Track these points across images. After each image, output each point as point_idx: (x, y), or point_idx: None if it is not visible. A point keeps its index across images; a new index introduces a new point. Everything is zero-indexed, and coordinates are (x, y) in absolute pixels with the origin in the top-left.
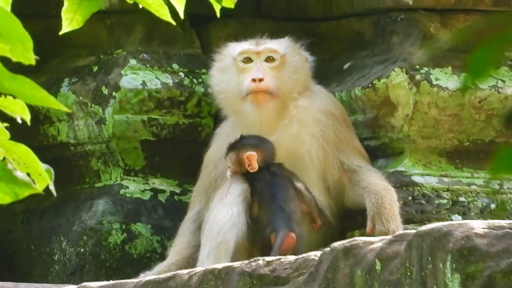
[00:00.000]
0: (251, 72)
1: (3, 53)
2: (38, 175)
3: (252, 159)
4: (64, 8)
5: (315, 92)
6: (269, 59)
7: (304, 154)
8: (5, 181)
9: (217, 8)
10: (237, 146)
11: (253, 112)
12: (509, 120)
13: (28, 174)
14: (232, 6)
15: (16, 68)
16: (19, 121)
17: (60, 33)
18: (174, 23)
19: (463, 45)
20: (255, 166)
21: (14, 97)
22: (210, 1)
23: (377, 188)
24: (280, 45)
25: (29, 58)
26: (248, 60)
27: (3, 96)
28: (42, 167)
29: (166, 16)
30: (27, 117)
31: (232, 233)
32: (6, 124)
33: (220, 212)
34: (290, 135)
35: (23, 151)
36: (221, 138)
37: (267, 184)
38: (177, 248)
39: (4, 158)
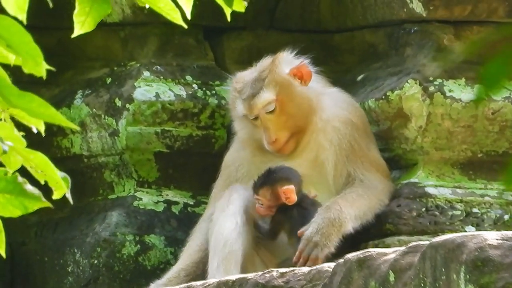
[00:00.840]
0: (262, 132)
1: (16, 62)
2: (55, 183)
3: (291, 192)
4: (75, 12)
5: (334, 99)
6: (269, 112)
7: (324, 161)
8: (15, 194)
9: (227, 12)
10: (270, 181)
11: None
12: None
13: (46, 182)
14: (242, 10)
15: (30, 80)
16: (35, 131)
17: (73, 36)
18: (185, 26)
19: (476, 57)
20: (294, 199)
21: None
22: (221, 6)
23: (337, 202)
24: (270, 86)
25: (40, 71)
26: (255, 119)
27: None
28: (59, 175)
29: (177, 19)
30: (42, 128)
31: (239, 243)
32: (22, 133)
33: (225, 223)
34: (315, 145)
35: (40, 159)
36: (243, 142)
37: (298, 215)
38: (189, 251)
39: (14, 172)
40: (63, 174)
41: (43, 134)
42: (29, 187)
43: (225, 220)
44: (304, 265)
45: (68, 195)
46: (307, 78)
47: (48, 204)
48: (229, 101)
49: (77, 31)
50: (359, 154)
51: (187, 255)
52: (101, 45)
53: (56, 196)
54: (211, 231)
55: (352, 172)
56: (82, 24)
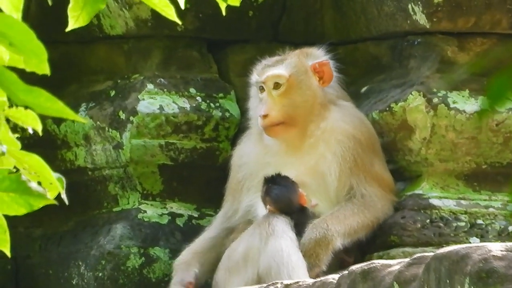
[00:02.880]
0: (262, 104)
1: (17, 64)
2: (49, 184)
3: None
4: (70, 6)
5: (342, 112)
6: (275, 86)
7: (325, 171)
8: (20, 192)
9: (222, 6)
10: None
11: (273, 140)
12: None
13: (39, 183)
14: (237, 4)
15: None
16: (30, 131)
17: (67, 29)
18: (180, 22)
19: (480, 69)
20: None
21: (28, 108)
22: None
23: (324, 220)
24: (287, 66)
25: (44, 68)
26: (262, 89)
27: (14, 107)
28: (54, 176)
29: (172, 16)
30: (39, 128)
31: (300, 254)
32: (17, 135)
33: (279, 241)
34: (315, 153)
35: (34, 161)
36: (246, 143)
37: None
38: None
39: (17, 170)
40: (57, 175)
41: (40, 134)
42: (33, 185)
43: (276, 240)
44: None
45: (64, 196)
46: (327, 78)
47: (53, 201)
48: (250, 80)
49: (71, 25)
50: (362, 168)
51: (199, 242)
52: (104, 58)
53: (50, 197)
54: (264, 254)
55: (354, 186)
56: (76, 19)
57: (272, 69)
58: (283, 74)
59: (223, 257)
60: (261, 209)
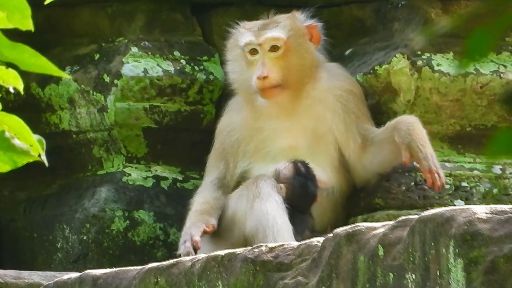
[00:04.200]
0: (256, 67)
1: (1, 24)
2: (29, 146)
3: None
4: None
5: (332, 72)
6: (273, 48)
7: (326, 132)
8: (3, 149)
9: None
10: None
11: (266, 104)
12: (507, 101)
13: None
14: None
15: None
16: (12, 90)
17: (45, 3)
18: None
19: (463, 31)
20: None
21: (12, 66)
22: None
23: (405, 120)
24: (284, 29)
25: (27, 24)
26: (254, 51)
27: None
28: (34, 137)
29: None
30: (20, 86)
31: (286, 217)
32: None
33: (264, 204)
34: (313, 115)
35: (14, 122)
36: (234, 110)
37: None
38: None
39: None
40: (38, 136)
41: (22, 93)
42: (16, 141)
43: (262, 203)
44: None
45: (43, 157)
46: (316, 41)
47: (37, 158)
48: (229, 44)
49: None
50: (364, 118)
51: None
52: (88, 22)
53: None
54: (249, 222)
55: (363, 132)
56: None
57: (269, 32)
58: (281, 36)
59: None
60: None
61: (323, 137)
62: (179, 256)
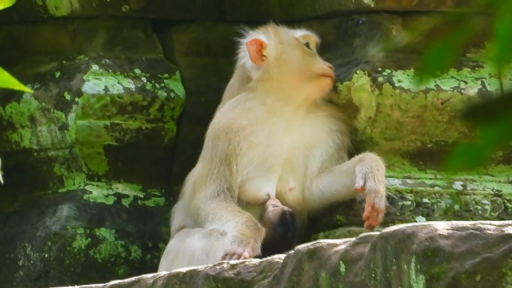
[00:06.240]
0: (318, 59)
1: None
2: None
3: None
4: None
5: None
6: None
7: (316, 150)
8: None
9: None
10: None
11: (313, 92)
12: (468, 115)
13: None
14: None
15: None
16: None
17: None
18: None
19: (424, 47)
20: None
21: None
22: None
23: (371, 155)
24: None
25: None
26: (307, 45)
27: None
28: None
29: None
30: None
31: None
32: None
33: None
34: (307, 126)
35: None
36: (244, 108)
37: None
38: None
39: None
40: None
41: None
42: None
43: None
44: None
45: None
46: None
47: None
48: (278, 31)
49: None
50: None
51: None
52: (49, 39)
53: None
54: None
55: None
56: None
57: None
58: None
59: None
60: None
61: (309, 154)
62: (226, 257)
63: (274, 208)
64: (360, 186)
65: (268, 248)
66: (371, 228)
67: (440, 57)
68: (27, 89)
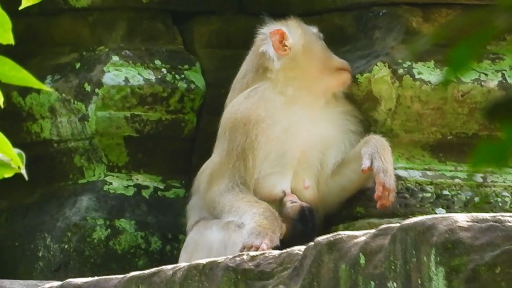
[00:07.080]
0: (333, 55)
1: None
2: (9, 159)
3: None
4: None
5: None
6: None
7: (330, 148)
8: None
9: None
10: None
11: (334, 85)
12: (491, 113)
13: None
14: None
15: None
16: None
17: (20, 8)
18: None
19: (444, 40)
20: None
21: None
22: None
23: (376, 137)
24: None
25: (8, 38)
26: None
27: None
28: (14, 151)
29: None
30: (0, 100)
31: None
32: None
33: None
34: (325, 122)
35: None
36: (259, 97)
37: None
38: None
39: None
40: (18, 150)
41: (2, 106)
42: None
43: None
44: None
45: (23, 171)
46: None
47: (17, 170)
48: (300, 26)
49: (25, 2)
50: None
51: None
52: (69, 30)
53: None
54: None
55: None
56: None
57: None
58: None
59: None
60: (286, 183)
61: (325, 152)
62: (243, 250)
63: (292, 204)
64: (367, 167)
65: (287, 245)
66: (383, 208)
67: (465, 55)
68: (45, 87)
